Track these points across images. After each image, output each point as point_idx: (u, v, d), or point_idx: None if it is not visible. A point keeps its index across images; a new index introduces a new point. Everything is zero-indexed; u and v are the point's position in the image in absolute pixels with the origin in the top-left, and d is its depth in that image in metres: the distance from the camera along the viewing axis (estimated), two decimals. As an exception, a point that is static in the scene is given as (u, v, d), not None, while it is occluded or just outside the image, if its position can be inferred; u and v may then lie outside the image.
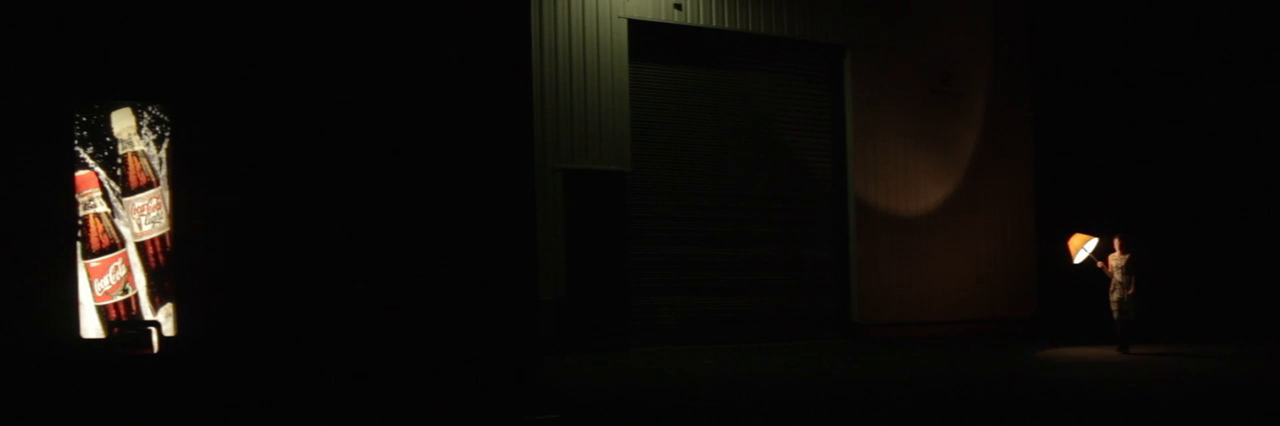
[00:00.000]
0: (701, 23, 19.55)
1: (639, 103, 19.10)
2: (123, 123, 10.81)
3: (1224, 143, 22.72)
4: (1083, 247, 17.86)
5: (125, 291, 10.82)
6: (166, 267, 10.87)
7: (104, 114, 10.78)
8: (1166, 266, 20.90)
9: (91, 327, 10.75)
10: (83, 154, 10.76)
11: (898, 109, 21.52)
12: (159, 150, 10.90)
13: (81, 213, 10.76)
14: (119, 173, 10.82)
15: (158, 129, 10.90)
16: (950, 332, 21.08)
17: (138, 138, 10.84)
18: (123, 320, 10.74)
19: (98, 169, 10.79)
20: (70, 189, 10.70)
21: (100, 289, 10.78)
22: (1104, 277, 17.80)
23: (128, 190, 10.84)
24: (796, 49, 20.75)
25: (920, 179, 21.68)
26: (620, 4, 18.75)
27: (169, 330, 10.80)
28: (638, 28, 18.94)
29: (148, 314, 10.81)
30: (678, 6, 19.25)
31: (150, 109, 10.86)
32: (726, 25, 19.80)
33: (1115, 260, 17.63)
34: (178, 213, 10.88)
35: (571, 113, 18.28)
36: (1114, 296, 17.69)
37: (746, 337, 19.69)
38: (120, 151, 10.84)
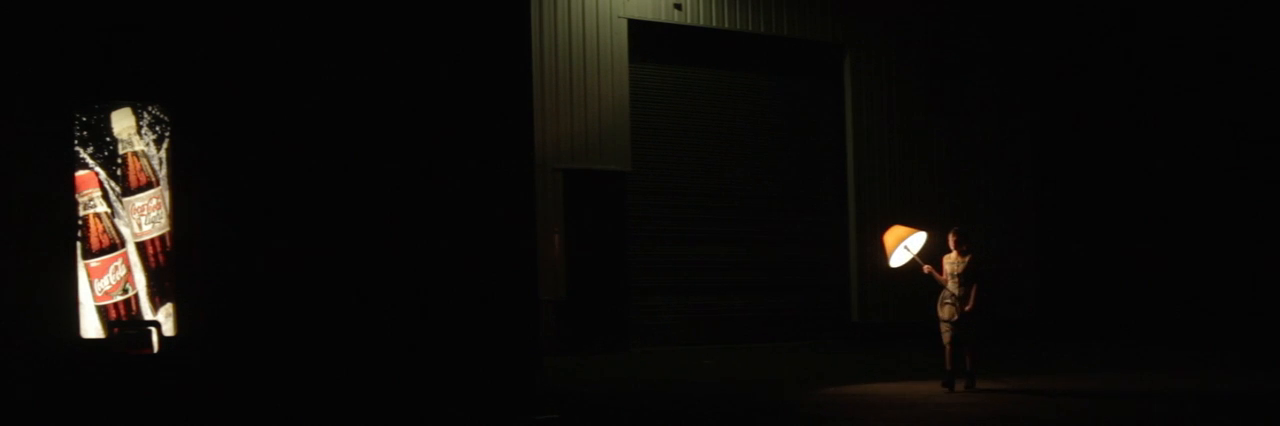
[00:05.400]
0: (701, 23, 19.54)
1: (639, 103, 19.10)
2: (123, 123, 10.80)
3: (1222, 144, 22.73)
4: (902, 245, 12.82)
5: (125, 291, 10.81)
6: (166, 267, 10.86)
7: (104, 114, 10.77)
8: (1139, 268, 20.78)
9: (91, 327, 10.74)
10: (83, 154, 10.75)
11: (898, 109, 21.52)
12: (159, 150, 10.89)
13: (81, 213, 10.75)
14: (119, 173, 10.81)
15: (158, 129, 10.88)
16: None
17: (138, 138, 10.83)
18: (123, 320, 10.73)
19: (98, 169, 10.78)
20: (70, 189, 10.69)
21: (100, 289, 10.77)
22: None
23: (128, 190, 10.83)
24: (796, 49, 20.76)
25: (920, 178, 21.67)
26: (620, 4, 18.75)
27: (169, 330, 10.79)
28: (638, 28, 18.94)
29: (148, 314, 10.80)
30: (678, 6, 19.25)
31: (150, 109, 10.85)
32: (726, 25, 19.80)
33: (950, 264, 12.93)
34: (178, 213, 10.87)
35: (571, 113, 18.28)
36: (943, 313, 12.92)
37: (746, 337, 19.68)
38: (120, 151, 10.83)
